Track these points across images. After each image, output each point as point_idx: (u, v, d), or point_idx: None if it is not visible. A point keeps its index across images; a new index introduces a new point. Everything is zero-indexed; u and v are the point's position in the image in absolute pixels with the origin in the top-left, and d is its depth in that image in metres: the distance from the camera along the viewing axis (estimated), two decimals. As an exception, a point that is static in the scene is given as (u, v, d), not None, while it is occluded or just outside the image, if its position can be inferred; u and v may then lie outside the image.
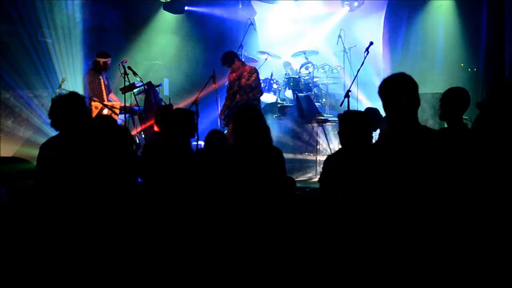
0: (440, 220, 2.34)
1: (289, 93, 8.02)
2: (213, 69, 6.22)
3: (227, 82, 6.55)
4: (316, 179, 5.80)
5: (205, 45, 8.90)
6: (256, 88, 6.20)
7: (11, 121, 6.41)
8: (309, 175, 6.11)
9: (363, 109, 5.29)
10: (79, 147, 3.00)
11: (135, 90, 6.17)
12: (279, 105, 7.49)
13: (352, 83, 5.43)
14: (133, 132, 6.03)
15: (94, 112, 5.97)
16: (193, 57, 8.78)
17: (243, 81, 6.22)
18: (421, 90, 2.59)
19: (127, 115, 5.97)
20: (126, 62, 6.12)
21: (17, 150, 6.09)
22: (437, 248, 2.31)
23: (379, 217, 2.42)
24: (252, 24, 8.16)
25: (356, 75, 5.42)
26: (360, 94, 7.25)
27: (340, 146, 3.26)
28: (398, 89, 2.50)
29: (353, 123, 3.09)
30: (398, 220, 2.36)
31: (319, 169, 6.11)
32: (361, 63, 5.41)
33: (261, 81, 6.49)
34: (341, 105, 5.35)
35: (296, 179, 4.89)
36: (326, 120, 6.57)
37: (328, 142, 6.50)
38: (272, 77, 8.09)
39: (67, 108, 3.04)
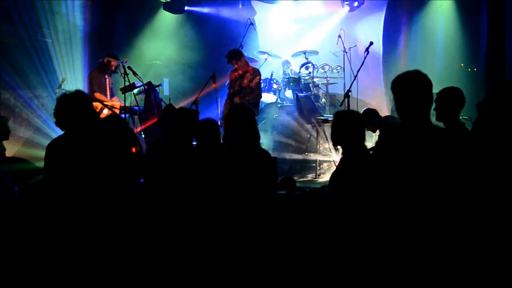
0: (453, 219, 2.32)
1: (289, 93, 8.03)
2: (213, 69, 6.22)
3: (227, 82, 6.56)
4: (316, 179, 5.84)
5: (205, 45, 8.88)
6: (256, 90, 6.26)
7: (11, 121, 6.40)
8: (309, 175, 6.11)
9: (363, 109, 5.26)
10: (84, 146, 2.96)
11: (135, 90, 6.16)
12: (279, 105, 7.49)
13: (352, 83, 5.43)
14: (133, 132, 6.03)
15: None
16: (193, 57, 8.77)
17: (245, 81, 6.26)
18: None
19: (127, 115, 5.97)
20: (126, 62, 6.14)
21: (17, 150, 6.08)
22: (438, 248, 2.31)
23: (394, 217, 2.37)
24: (252, 24, 8.16)
25: (356, 75, 5.41)
26: (360, 94, 7.23)
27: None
28: (411, 87, 2.40)
29: (352, 123, 3.04)
30: (413, 219, 2.32)
31: (319, 169, 6.13)
32: (361, 63, 5.41)
33: (261, 82, 6.50)
34: (341, 105, 5.36)
35: (296, 179, 4.89)
36: (326, 120, 6.56)
37: (328, 142, 6.49)
38: (272, 77, 8.11)
39: (72, 107, 2.96)
